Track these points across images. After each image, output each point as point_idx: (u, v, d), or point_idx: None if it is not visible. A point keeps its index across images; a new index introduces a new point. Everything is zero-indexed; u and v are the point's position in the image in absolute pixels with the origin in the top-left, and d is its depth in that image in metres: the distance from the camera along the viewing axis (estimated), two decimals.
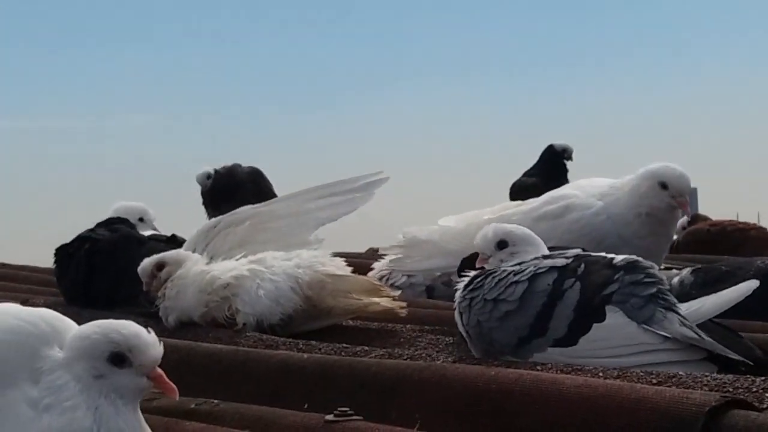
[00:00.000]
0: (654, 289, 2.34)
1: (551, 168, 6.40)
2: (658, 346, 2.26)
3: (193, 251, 3.19)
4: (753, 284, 2.46)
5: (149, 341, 1.48)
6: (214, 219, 3.36)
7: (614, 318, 2.31)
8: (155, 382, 1.48)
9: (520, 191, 5.96)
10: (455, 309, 2.54)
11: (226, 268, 3.04)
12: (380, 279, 3.59)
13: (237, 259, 3.08)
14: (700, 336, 2.25)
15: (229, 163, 6.05)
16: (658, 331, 2.26)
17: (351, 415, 1.89)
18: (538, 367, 2.18)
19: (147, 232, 3.89)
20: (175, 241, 3.60)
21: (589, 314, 2.33)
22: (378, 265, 4.05)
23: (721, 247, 5.13)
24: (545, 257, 2.51)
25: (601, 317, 2.31)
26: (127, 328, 1.48)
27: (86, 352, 1.45)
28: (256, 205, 3.35)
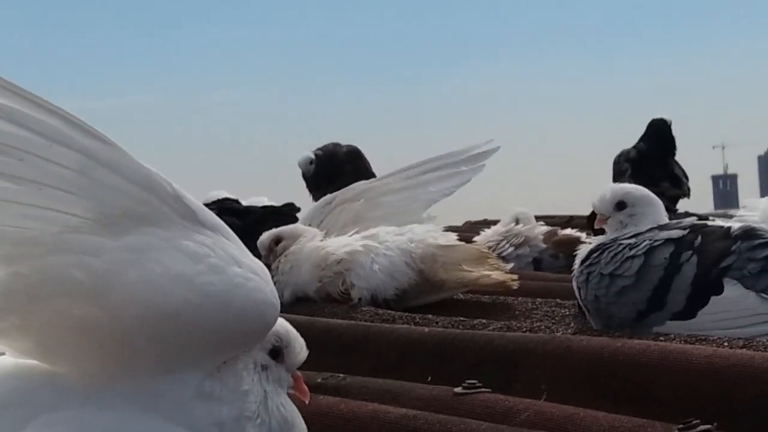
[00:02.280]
0: None
1: (658, 142, 6.09)
2: None
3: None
4: None
5: (302, 342, 1.52)
6: (329, 195, 3.40)
7: (732, 290, 2.29)
8: (295, 382, 1.53)
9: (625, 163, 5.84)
10: (573, 283, 2.55)
11: (339, 244, 3.08)
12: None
13: (350, 235, 3.12)
14: None
15: (327, 143, 6.05)
16: None
17: (479, 387, 1.92)
18: (662, 338, 2.18)
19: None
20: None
21: (706, 287, 2.32)
22: (480, 238, 4.07)
23: None
24: (661, 228, 2.50)
25: (719, 290, 2.31)
26: (288, 326, 1.52)
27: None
28: (369, 180, 3.39)
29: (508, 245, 3.85)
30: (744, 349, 2.01)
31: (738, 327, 2.26)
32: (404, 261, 2.97)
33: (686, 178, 5.92)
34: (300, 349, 1.52)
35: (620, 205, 2.58)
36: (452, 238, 3.09)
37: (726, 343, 2.10)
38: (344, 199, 3.31)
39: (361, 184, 3.36)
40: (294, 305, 3.07)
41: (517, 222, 4.30)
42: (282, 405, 1.45)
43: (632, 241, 2.46)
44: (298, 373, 1.54)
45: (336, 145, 6.00)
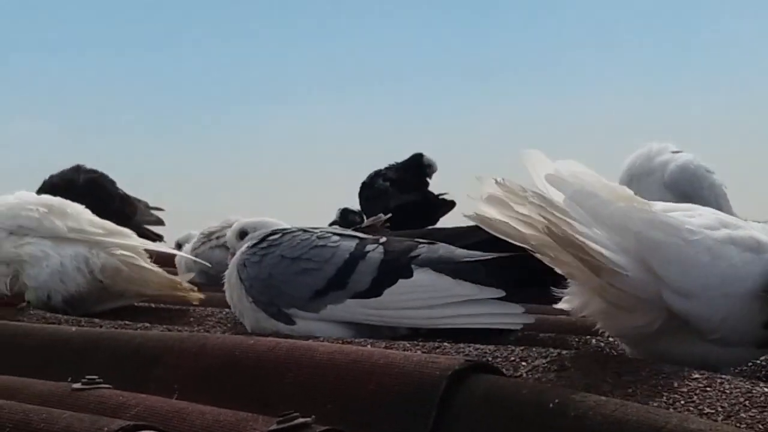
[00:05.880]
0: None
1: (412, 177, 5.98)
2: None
3: None
4: None
5: None
6: None
7: (424, 274, 2.33)
8: None
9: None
10: (233, 266, 2.53)
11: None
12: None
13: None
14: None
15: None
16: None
17: (99, 383, 1.82)
18: (309, 339, 2.15)
19: None
20: None
21: (394, 271, 2.35)
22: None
23: None
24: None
25: (409, 274, 2.33)
26: None
27: None
28: None
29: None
30: (384, 349, 1.99)
31: (429, 306, 2.30)
32: (77, 266, 2.86)
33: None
34: None
35: (242, 234, 2.64)
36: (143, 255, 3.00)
37: (370, 346, 2.08)
38: None
39: None
40: None
41: None
42: None
43: (318, 232, 2.49)
44: None
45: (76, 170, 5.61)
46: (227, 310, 2.84)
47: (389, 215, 4.27)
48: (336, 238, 2.44)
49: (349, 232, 2.53)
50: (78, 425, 1.47)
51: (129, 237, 3.05)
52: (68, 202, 3.07)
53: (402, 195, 5.82)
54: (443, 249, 2.38)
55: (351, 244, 2.41)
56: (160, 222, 5.43)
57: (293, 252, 2.42)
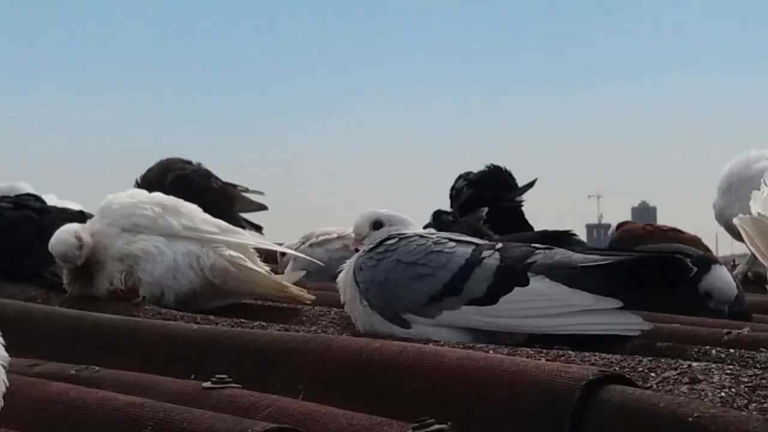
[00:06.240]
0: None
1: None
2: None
3: None
4: None
5: None
6: None
7: (540, 282, 2.31)
8: None
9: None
10: (349, 269, 2.54)
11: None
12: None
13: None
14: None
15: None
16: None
17: (229, 382, 1.85)
18: (429, 343, 2.15)
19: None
20: (83, 216, 3.51)
21: (510, 278, 2.33)
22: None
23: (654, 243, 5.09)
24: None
25: (525, 282, 2.32)
26: None
27: None
28: None
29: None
30: (506, 356, 1.99)
31: (545, 316, 2.28)
32: (189, 263, 2.90)
33: None
34: None
35: (377, 225, 2.64)
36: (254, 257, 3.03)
37: (491, 351, 2.08)
38: None
39: None
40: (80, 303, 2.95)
41: None
42: None
43: (434, 237, 2.49)
44: None
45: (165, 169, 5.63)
46: (335, 309, 2.86)
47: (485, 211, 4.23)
48: (452, 243, 2.44)
49: (466, 237, 2.52)
50: (221, 425, 1.49)
51: (241, 235, 3.08)
52: (181, 201, 3.11)
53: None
54: (560, 254, 2.36)
55: (467, 250, 2.41)
56: (262, 207, 5.40)
57: (409, 257, 2.43)
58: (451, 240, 2.46)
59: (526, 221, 5.44)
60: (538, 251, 2.38)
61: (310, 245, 3.85)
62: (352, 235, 3.81)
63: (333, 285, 3.48)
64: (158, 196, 3.12)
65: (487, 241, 2.49)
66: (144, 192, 3.16)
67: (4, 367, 1.46)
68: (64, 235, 2.94)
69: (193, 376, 2.04)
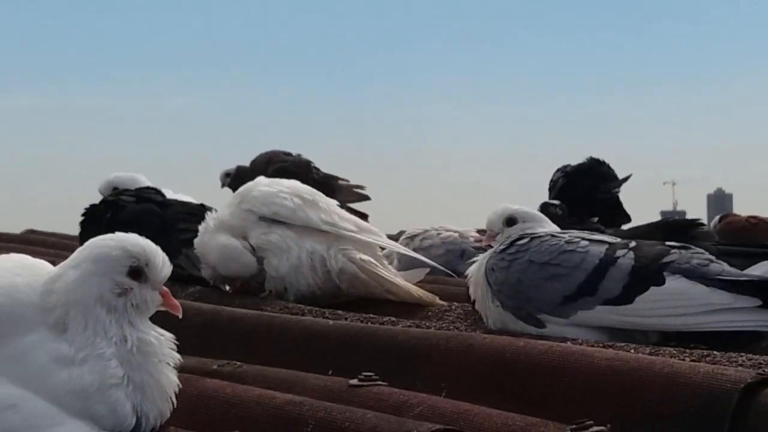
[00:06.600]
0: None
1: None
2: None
3: None
4: None
5: (163, 257, 1.49)
6: None
7: (677, 281, 2.29)
8: (164, 298, 1.49)
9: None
10: (480, 270, 2.53)
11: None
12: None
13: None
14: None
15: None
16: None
17: (375, 379, 1.86)
18: (568, 342, 2.14)
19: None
20: (203, 210, 3.54)
21: (646, 277, 2.31)
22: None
23: (759, 237, 5.01)
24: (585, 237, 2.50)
25: (660, 281, 2.30)
26: (144, 242, 1.48)
27: (108, 268, 1.44)
28: None
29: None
30: (650, 356, 1.97)
31: (683, 315, 2.26)
32: (313, 264, 2.91)
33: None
34: (162, 263, 1.48)
35: (510, 221, 2.64)
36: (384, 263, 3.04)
37: (632, 350, 2.06)
38: None
39: None
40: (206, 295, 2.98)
41: None
42: (141, 338, 1.41)
43: (566, 236, 2.47)
44: (165, 288, 1.51)
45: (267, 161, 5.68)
46: (456, 303, 2.86)
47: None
48: (585, 242, 2.41)
49: (597, 236, 2.50)
50: (385, 426, 1.50)
51: (378, 236, 3.05)
52: (319, 193, 3.10)
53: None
54: (696, 258, 2.33)
55: (600, 249, 2.39)
56: (364, 197, 5.40)
57: (542, 257, 2.42)
58: (583, 239, 2.44)
59: (623, 211, 5.39)
60: (673, 251, 2.35)
61: (413, 248, 3.85)
62: (473, 232, 3.81)
63: (445, 278, 3.50)
64: (297, 185, 3.09)
65: (618, 239, 2.46)
66: (283, 180, 3.14)
67: (175, 367, 1.49)
68: (246, 258, 2.97)
69: (330, 372, 2.06)
